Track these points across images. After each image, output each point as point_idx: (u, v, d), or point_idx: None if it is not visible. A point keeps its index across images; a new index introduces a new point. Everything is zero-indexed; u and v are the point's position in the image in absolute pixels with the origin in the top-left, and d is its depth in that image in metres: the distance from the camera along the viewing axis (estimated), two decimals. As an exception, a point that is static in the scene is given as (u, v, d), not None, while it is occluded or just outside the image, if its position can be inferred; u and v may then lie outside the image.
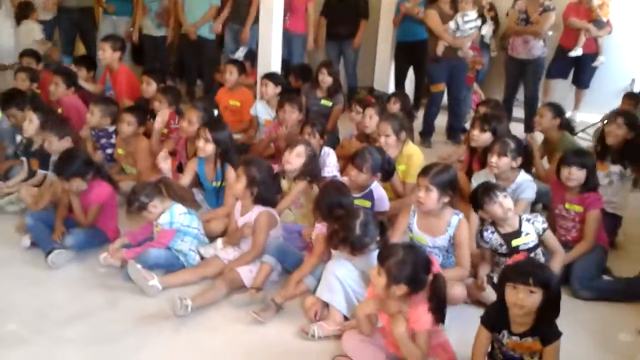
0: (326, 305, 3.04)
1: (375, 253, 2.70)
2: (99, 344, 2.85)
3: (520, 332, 2.42)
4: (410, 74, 7.20)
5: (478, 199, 3.24)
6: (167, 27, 6.92)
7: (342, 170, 4.27)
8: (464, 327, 2.81)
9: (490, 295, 3.04)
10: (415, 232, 3.26)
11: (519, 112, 6.62)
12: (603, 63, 6.89)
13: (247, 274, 3.31)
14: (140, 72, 6.04)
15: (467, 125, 5.86)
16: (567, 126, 4.73)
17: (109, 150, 4.79)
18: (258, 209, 3.45)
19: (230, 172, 3.89)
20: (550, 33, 6.44)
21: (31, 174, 4.42)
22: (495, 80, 7.26)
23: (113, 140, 4.76)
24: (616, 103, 5.93)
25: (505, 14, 7.04)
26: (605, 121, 4.29)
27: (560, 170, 3.61)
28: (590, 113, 6.77)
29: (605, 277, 3.57)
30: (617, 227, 4.09)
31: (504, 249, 3.24)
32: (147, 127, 4.70)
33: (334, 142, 5.07)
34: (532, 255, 3.16)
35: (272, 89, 5.26)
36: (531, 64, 6.31)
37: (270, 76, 5.35)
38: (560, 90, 7.03)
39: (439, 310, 2.51)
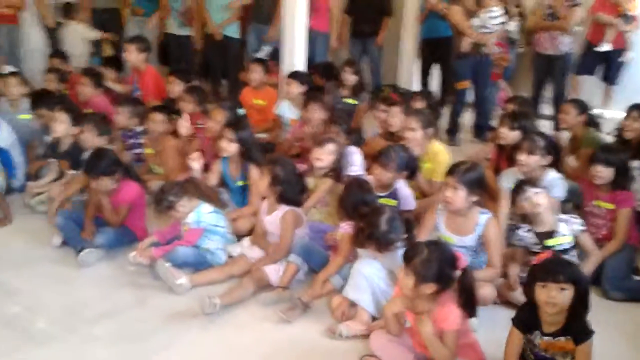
0: (353, 304, 3.02)
1: (402, 251, 2.68)
2: (128, 341, 2.88)
3: (552, 331, 2.39)
4: (436, 71, 7.14)
5: (514, 194, 3.24)
6: (190, 27, 6.95)
7: (368, 169, 4.25)
8: (493, 327, 2.80)
9: (520, 295, 2.99)
10: (443, 232, 3.23)
11: (548, 109, 6.51)
12: (633, 59, 6.75)
13: (273, 273, 3.32)
14: (167, 72, 6.08)
15: (494, 123, 5.80)
16: (593, 122, 4.64)
17: (136, 150, 4.84)
18: (284, 208, 3.46)
19: (254, 170, 3.91)
20: (577, 28, 6.33)
21: (61, 174, 4.47)
22: (523, 76, 7.14)
23: (141, 141, 4.81)
24: (648, 100, 5.81)
25: (531, 10, 6.95)
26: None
27: (589, 168, 3.56)
28: (620, 110, 6.63)
29: (636, 277, 3.50)
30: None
31: (537, 248, 3.18)
32: (173, 126, 4.74)
33: (358, 141, 5.04)
34: (566, 257, 3.10)
35: (297, 88, 5.24)
36: (559, 60, 6.21)
37: (294, 75, 5.34)
38: (590, 87, 6.90)
39: (469, 305, 2.49)
